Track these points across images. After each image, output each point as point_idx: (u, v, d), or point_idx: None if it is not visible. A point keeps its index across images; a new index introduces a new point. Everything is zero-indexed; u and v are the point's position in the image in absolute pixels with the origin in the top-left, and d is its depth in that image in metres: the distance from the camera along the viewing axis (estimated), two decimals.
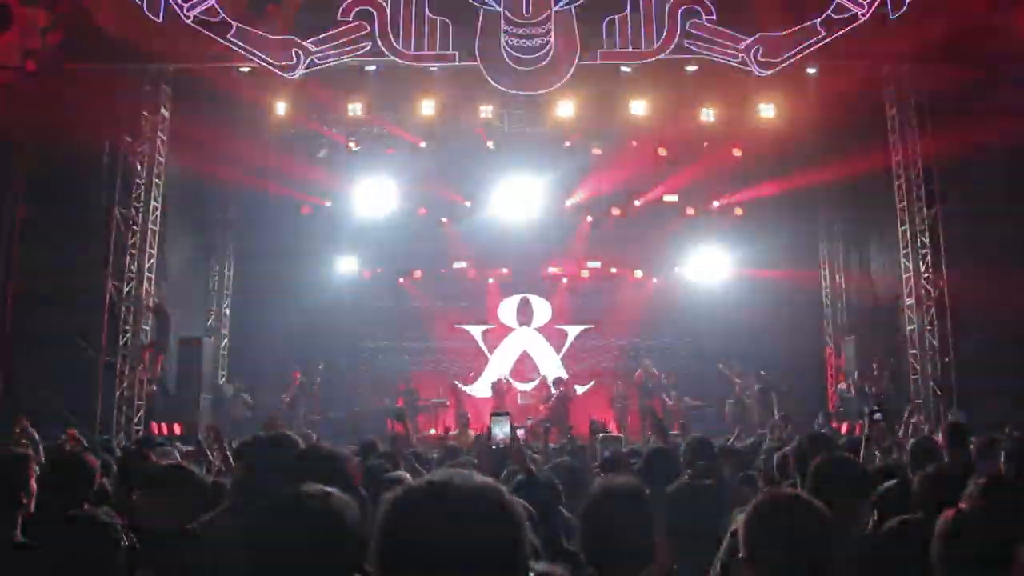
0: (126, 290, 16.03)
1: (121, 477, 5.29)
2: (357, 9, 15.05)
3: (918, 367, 15.91)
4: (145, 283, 16.26)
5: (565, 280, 22.13)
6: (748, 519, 2.61)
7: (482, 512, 1.56)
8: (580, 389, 21.23)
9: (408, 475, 5.42)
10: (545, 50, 15.22)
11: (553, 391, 19.44)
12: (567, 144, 19.42)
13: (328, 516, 2.05)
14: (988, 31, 14.59)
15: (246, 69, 15.94)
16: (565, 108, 17.06)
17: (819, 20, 14.87)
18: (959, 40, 14.18)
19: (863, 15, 14.70)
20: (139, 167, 16.30)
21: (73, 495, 4.07)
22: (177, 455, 6.66)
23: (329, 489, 2.13)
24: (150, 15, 14.57)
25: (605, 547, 2.91)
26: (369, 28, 15.15)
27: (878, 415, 7.21)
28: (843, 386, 18.85)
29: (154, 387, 16.30)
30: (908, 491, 4.30)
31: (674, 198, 20.72)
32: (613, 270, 21.76)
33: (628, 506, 2.95)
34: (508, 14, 15.07)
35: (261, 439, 4.09)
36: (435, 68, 16.02)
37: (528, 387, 21.23)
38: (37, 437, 7.35)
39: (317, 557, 1.99)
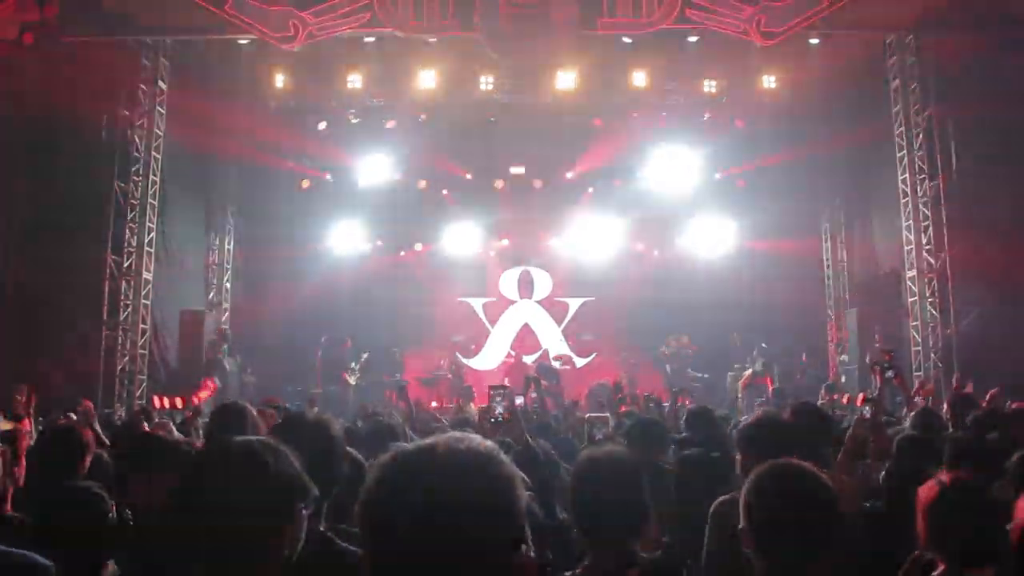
0: (126, 264, 16.03)
1: (116, 450, 5.29)
2: None
3: (919, 339, 15.89)
4: (145, 257, 16.25)
5: (566, 252, 22.06)
6: (748, 489, 2.61)
7: (471, 474, 1.52)
8: (580, 362, 21.28)
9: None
10: (545, 20, 15.09)
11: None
12: (568, 116, 19.30)
13: (249, 458, 2.03)
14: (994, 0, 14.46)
15: (244, 41, 15.86)
16: (565, 79, 16.95)
17: None
18: (963, 8, 14.05)
19: None
20: (137, 141, 16.23)
21: (65, 468, 4.06)
22: (173, 428, 6.67)
23: (257, 438, 2.11)
24: None
25: (594, 516, 2.91)
26: None
27: (890, 372, 7.23)
28: (844, 358, 18.85)
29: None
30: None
31: (676, 169, 20.60)
32: (615, 242, 21.67)
33: (615, 474, 2.94)
34: None
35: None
36: (434, 39, 15.92)
37: (529, 359, 21.23)
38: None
39: (240, 498, 1.96)
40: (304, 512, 2.05)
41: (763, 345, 18.94)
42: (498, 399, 5.39)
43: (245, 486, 1.97)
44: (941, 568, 2.88)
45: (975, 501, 2.93)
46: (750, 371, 18.71)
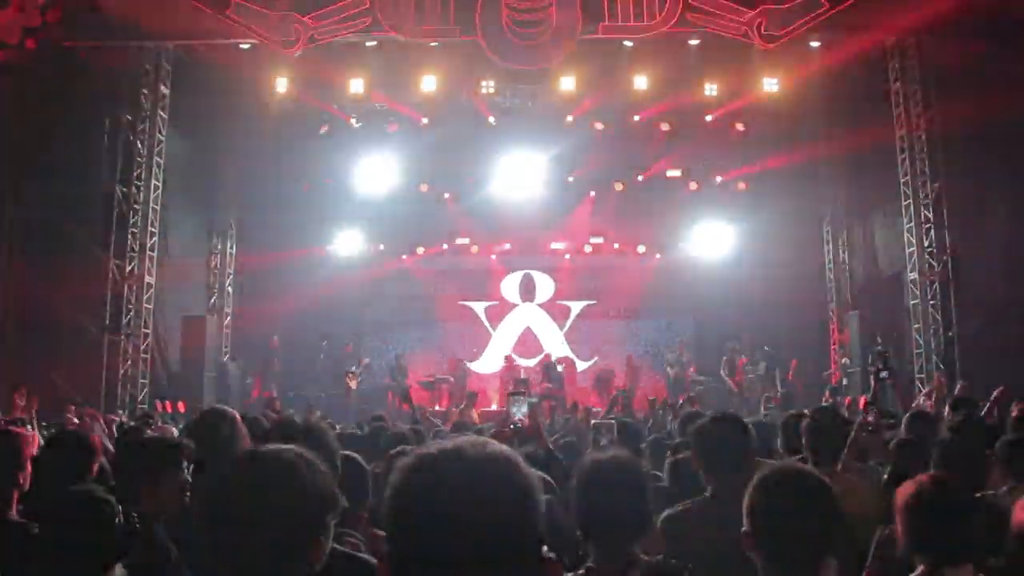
0: (128, 269, 16.04)
1: (119, 455, 5.29)
2: None
3: (921, 341, 15.88)
4: (147, 262, 16.27)
5: (568, 256, 22.08)
6: (751, 493, 2.61)
7: (496, 478, 1.53)
8: (581, 365, 21.29)
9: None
10: (546, 24, 15.12)
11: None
12: (569, 119, 19.31)
13: (285, 469, 1.99)
14: (995, 1, 14.46)
15: (246, 46, 15.88)
16: (567, 83, 16.96)
17: None
18: (965, 12, 14.05)
19: None
20: (139, 145, 16.26)
21: (75, 473, 4.05)
22: (175, 432, 6.66)
23: (288, 446, 2.07)
24: None
25: (597, 519, 2.91)
26: (369, 3, 15.06)
27: (884, 373, 7.22)
28: (846, 361, 18.84)
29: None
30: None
31: (677, 173, 20.64)
32: (616, 245, 21.70)
33: (621, 478, 2.95)
34: None
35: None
36: (436, 43, 15.94)
37: (531, 363, 21.24)
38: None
39: (276, 510, 1.93)
40: (332, 523, 2.03)
41: (765, 348, 18.97)
42: (517, 404, 5.37)
43: (283, 496, 1.94)
44: (920, 569, 2.90)
45: (952, 499, 2.98)
46: (726, 358, 19.01)
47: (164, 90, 16.52)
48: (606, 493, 2.93)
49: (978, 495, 3.99)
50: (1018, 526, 2.73)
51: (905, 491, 3.05)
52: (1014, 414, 7.15)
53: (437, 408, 18.23)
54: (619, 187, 20.92)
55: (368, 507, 3.71)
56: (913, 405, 10.14)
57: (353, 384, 19.19)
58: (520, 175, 20.69)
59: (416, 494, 1.54)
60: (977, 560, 2.87)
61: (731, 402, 17.71)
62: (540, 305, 22.35)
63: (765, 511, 2.56)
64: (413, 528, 1.52)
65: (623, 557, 2.88)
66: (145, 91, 16.29)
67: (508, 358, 20.84)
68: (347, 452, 3.70)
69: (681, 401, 12.93)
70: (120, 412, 14.65)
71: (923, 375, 15.46)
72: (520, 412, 5.25)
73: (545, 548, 1.56)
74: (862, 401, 13.69)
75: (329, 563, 2.68)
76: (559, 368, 20.19)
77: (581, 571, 2.89)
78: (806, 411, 5.39)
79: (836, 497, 2.57)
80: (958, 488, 3.06)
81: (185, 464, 3.64)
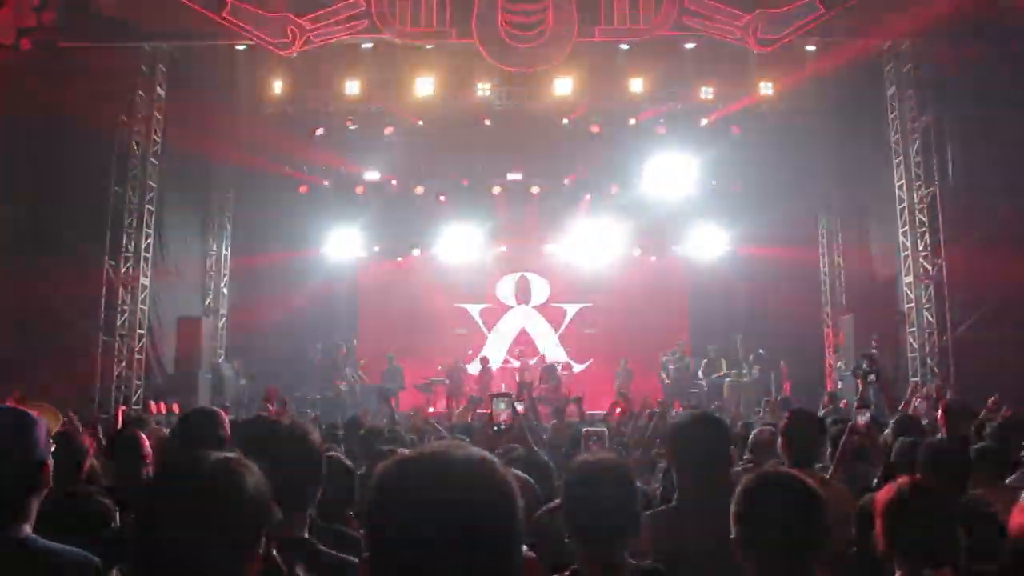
0: (123, 270, 16.03)
1: (108, 455, 5.26)
2: None
3: (916, 345, 15.90)
4: (142, 263, 16.26)
5: (563, 258, 22.07)
6: (737, 499, 2.61)
7: (475, 483, 1.53)
8: (577, 367, 21.28)
9: (404, 450, 5.41)
10: (542, 27, 15.14)
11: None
12: (565, 122, 19.29)
13: (216, 478, 1.90)
14: (988, 7, 14.50)
15: (242, 47, 15.89)
16: (563, 86, 16.95)
17: None
18: (959, 16, 14.08)
19: None
20: (135, 146, 16.25)
21: (66, 474, 4.04)
22: (167, 434, 6.63)
23: (227, 454, 2.00)
24: None
25: (585, 520, 2.91)
26: (365, 5, 15.07)
27: (872, 376, 7.28)
28: (840, 364, 18.84)
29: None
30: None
31: (673, 176, 20.58)
32: (612, 248, 21.68)
33: (609, 480, 2.95)
34: None
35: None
36: (432, 46, 15.95)
37: (517, 364, 21.22)
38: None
39: (212, 519, 1.85)
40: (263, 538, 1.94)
41: (760, 351, 18.96)
42: (500, 406, 5.36)
43: (211, 511, 1.86)
44: (899, 573, 2.91)
45: (931, 503, 2.98)
46: (707, 360, 19.18)
47: (159, 91, 16.52)
48: (594, 495, 2.93)
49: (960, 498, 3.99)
50: (1015, 531, 2.72)
51: (885, 495, 3.05)
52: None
53: (431, 410, 18.22)
54: (614, 189, 20.92)
55: (355, 507, 3.71)
56: (912, 410, 10.14)
57: (344, 387, 19.15)
58: (516, 176, 20.69)
59: (394, 496, 1.55)
60: (957, 563, 2.87)
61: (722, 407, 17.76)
62: (535, 307, 22.35)
63: (751, 517, 2.56)
64: (391, 530, 1.53)
65: (609, 559, 2.88)
66: (141, 92, 16.30)
67: (484, 360, 20.79)
68: (332, 452, 3.70)
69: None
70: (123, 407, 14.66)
71: (917, 379, 15.47)
72: (504, 414, 5.24)
73: (525, 548, 1.56)
74: (856, 405, 13.72)
75: (322, 566, 2.68)
76: (558, 370, 20.17)
77: (567, 573, 2.89)
78: None
79: (821, 500, 2.57)
80: (938, 491, 3.07)
81: None
